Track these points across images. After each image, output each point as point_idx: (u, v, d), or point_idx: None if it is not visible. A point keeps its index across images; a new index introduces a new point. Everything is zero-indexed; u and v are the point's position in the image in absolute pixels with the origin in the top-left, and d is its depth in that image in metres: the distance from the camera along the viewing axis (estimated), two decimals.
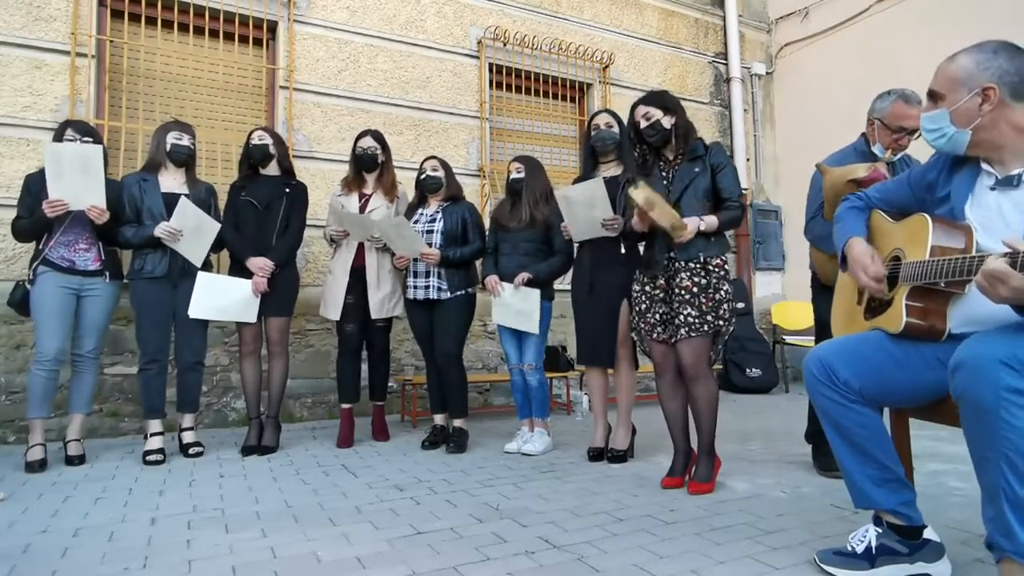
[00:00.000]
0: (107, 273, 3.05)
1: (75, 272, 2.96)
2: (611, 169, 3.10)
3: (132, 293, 3.12)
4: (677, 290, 2.51)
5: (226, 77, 4.41)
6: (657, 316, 2.57)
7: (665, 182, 2.59)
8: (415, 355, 4.47)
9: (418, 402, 4.22)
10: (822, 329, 2.83)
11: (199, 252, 3.12)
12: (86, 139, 2.98)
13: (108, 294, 3.07)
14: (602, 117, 3.11)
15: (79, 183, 2.82)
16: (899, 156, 2.57)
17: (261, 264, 3.20)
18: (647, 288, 2.61)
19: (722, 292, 2.49)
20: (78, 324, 3.02)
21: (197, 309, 3.13)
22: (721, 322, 2.48)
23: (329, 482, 2.68)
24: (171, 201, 3.09)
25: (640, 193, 2.37)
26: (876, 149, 2.58)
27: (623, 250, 2.96)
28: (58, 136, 2.99)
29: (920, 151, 2.52)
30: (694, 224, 2.44)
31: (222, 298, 3.17)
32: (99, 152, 2.86)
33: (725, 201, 2.54)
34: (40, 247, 2.95)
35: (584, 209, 2.92)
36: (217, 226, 3.13)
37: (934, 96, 1.53)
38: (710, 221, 2.47)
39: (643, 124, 2.61)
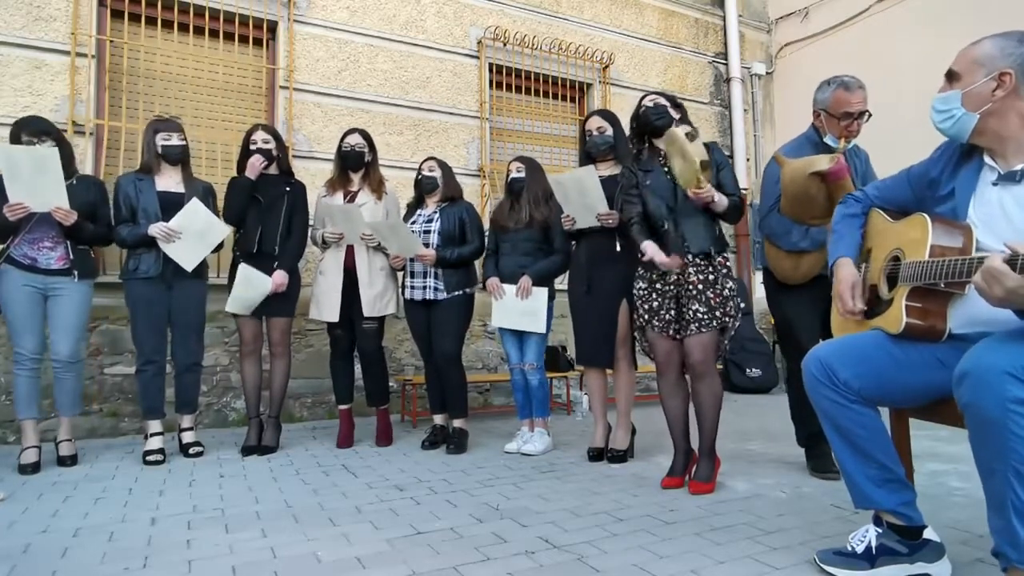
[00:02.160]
0: (76, 272, 2.97)
1: (37, 270, 2.90)
2: (609, 168, 3.10)
3: (127, 294, 3.10)
4: (686, 286, 2.51)
5: (226, 77, 4.41)
6: (672, 313, 2.56)
7: (666, 175, 2.59)
8: (415, 355, 4.47)
9: (418, 402, 4.22)
10: (787, 329, 2.80)
11: (196, 256, 3.08)
12: (43, 139, 2.89)
13: (77, 293, 2.98)
14: (593, 121, 3.11)
15: (38, 185, 2.76)
16: (851, 144, 2.57)
17: (280, 283, 3.22)
18: (657, 286, 2.60)
19: (728, 289, 2.50)
20: (50, 327, 2.95)
21: (235, 304, 3.16)
22: (728, 318, 2.49)
23: (329, 482, 2.68)
24: (168, 200, 3.08)
25: (682, 128, 2.39)
26: (828, 139, 2.59)
27: (618, 247, 2.96)
28: (14, 137, 2.89)
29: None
30: (711, 190, 2.42)
31: (251, 292, 3.18)
32: (54, 154, 2.78)
33: (728, 195, 2.55)
34: (5, 245, 2.90)
35: (578, 195, 2.94)
36: (227, 231, 3.11)
37: (951, 76, 1.53)
38: (720, 199, 2.48)
39: (650, 104, 2.66)
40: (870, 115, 2.54)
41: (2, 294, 2.87)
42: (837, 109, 2.53)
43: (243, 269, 3.16)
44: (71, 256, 2.97)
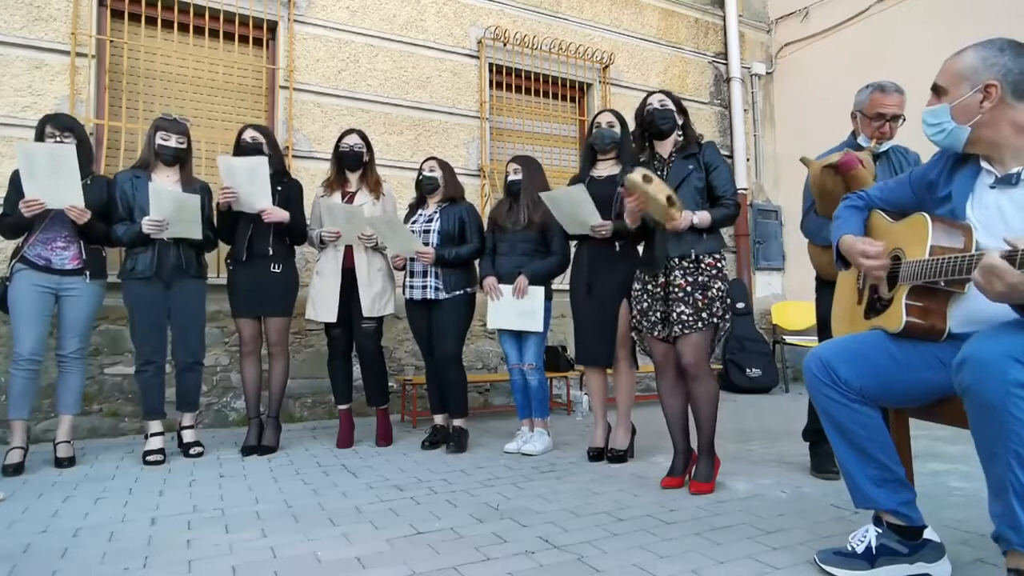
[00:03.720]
0: (87, 272, 3.00)
1: (51, 271, 2.92)
2: (609, 168, 3.11)
3: (125, 294, 3.10)
4: (672, 288, 2.52)
5: (226, 77, 4.41)
6: (658, 314, 2.58)
7: (662, 178, 2.59)
8: (415, 355, 4.47)
9: (418, 402, 4.22)
10: (822, 327, 2.84)
11: (194, 228, 3.08)
12: (66, 135, 2.92)
13: (89, 293, 3.01)
14: (604, 116, 3.13)
15: (54, 182, 2.79)
16: (887, 146, 2.61)
17: (271, 213, 3.18)
18: (648, 287, 2.62)
19: (715, 290, 2.50)
20: (59, 324, 2.98)
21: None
22: (715, 319, 2.49)
23: (329, 482, 2.68)
24: None
25: (637, 173, 2.38)
26: (861, 140, 2.65)
27: (617, 248, 2.97)
28: (39, 132, 2.93)
29: (912, 141, 2.55)
30: (687, 217, 2.44)
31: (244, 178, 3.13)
32: (72, 151, 2.80)
33: (720, 199, 2.56)
34: (20, 244, 2.92)
35: (569, 208, 2.96)
36: (196, 198, 3.05)
37: (937, 90, 1.54)
38: (702, 216, 2.49)
39: (657, 106, 2.64)
40: (904, 119, 2.59)
41: (12, 294, 2.88)
42: (871, 110, 2.58)
43: (221, 160, 3.13)
44: (83, 256, 3.00)
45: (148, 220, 2.98)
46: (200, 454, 3.15)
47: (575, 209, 2.93)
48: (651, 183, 2.34)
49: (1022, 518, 1.24)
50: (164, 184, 3.12)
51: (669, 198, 2.34)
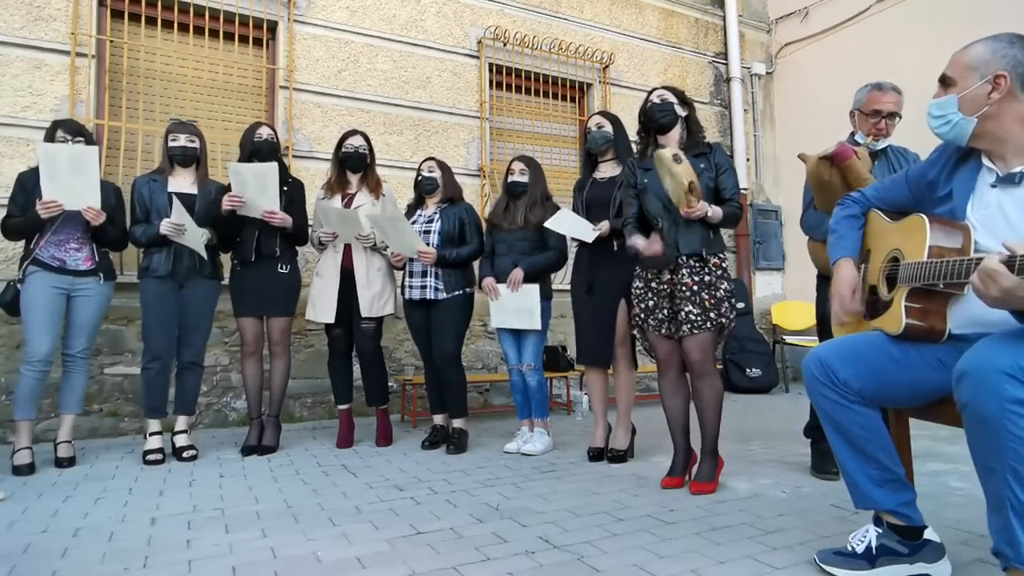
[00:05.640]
0: (101, 274, 3.03)
1: (66, 272, 2.93)
2: (610, 169, 3.11)
3: (141, 292, 3.12)
4: (679, 286, 2.51)
5: (226, 77, 4.41)
6: (664, 312, 2.57)
7: None
8: (415, 355, 4.47)
9: (418, 402, 4.22)
10: (822, 325, 2.84)
11: (199, 246, 3.10)
12: (78, 139, 2.95)
13: (100, 294, 3.04)
14: (593, 119, 3.15)
15: (73, 183, 2.80)
16: (884, 144, 2.61)
17: (276, 216, 3.18)
18: (652, 284, 2.61)
19: (722, 291, 2.50)
20: (69, 324, 3.00)
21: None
22: (723, 320, 2.49)
23: (329, 482, 2.68)
24: (181, 201, 3.08)
25: (668, 150, 2.36)
26: (858, 137, 2.66)
27: (615, 247, 2.97)
28: (49, 137, 2.95)
29: (911, 142, 2.55)
30: (703, 207, 2.42)
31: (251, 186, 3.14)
32: (94, 153, 2.84)
33: (727, 201, 2.56)
34: (31, 246, 2.92)
35: (571, 225, 3.04)
36: (201, 231, 3.08)
37: (945, 81, 1.53)
38: (716, 210, 2.48)
39: (656, 100, 2.64)
40: (900, 118, 2.61)
41: (26, 296, 2.87)
42: (868, 107, 2.61)
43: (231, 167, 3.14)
44: (95, 257, 3.03)
45: (167, 222, 3.00)
46: (194, 457, 3.11)
47: (574, 224, 3.00)
48: (680, 164, 2.33)
49: (1019, 535, 1.24)
50: (181, 186, 3.14)
51: (691, 184, 2.34)
